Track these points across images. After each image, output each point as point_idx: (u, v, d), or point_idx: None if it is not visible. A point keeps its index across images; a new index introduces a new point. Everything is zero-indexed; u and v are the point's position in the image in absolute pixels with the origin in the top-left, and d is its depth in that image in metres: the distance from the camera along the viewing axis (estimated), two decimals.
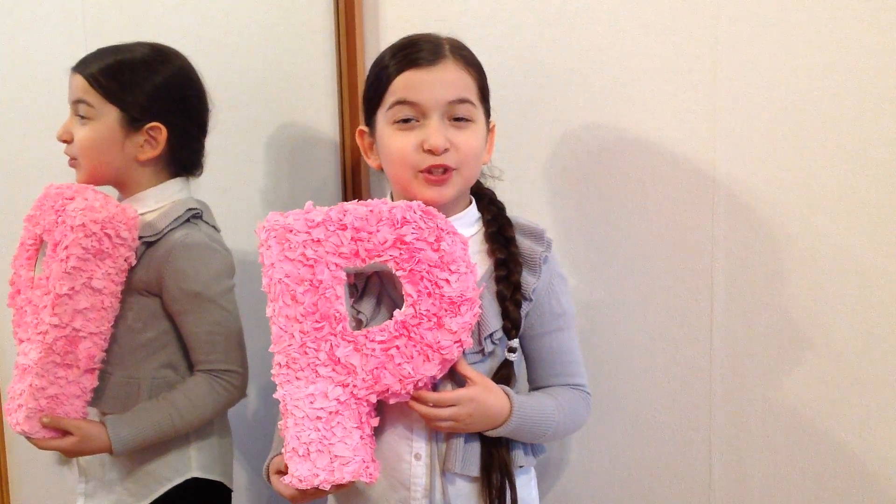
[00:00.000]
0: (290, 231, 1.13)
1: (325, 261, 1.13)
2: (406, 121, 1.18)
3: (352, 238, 1.13)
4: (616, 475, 1.52)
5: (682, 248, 1.43)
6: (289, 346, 1.13)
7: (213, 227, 1.44)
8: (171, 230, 1.37)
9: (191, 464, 1.43)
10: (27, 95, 1.47)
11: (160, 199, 1.41)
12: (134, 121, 1.37)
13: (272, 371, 1.14)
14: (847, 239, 1.31)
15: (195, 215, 1.41)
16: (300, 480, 1.11)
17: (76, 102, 1.38)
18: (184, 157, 1.44)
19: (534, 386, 1.28)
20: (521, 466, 1.23)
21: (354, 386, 1.12)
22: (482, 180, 1.30)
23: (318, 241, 1.13)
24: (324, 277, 1.13)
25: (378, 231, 1.13)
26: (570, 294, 1.28)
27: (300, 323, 1.12)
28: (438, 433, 1.18)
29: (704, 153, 1.39)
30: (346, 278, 1.15)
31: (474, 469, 1.19)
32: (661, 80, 1.40)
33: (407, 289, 1.12)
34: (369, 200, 1.17)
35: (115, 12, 1.69)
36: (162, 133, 1.38)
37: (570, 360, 1.27)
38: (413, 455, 1.20)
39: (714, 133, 1.37)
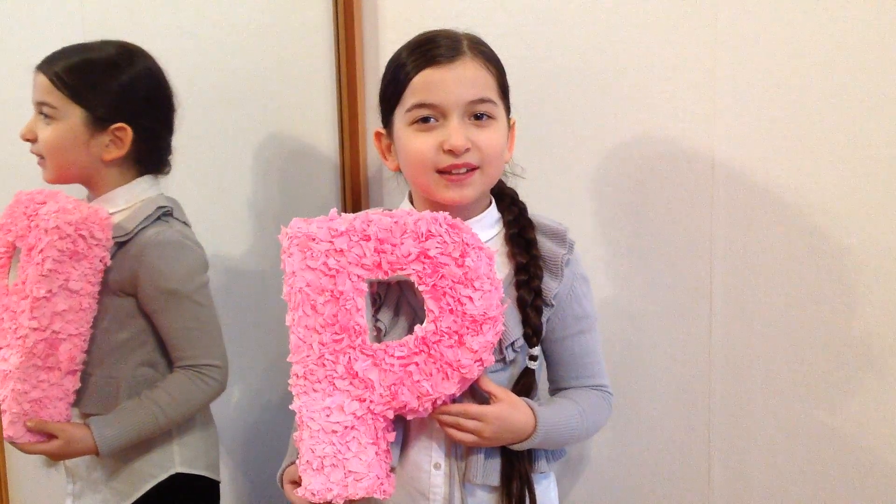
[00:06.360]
0: (313, 239, 1.11)
1: (347, 271, 1.11)
2: (425, 120, 1.16)
3: (375, 249, 1.11)
4: (616, 475, 1.53)
5: (681, 247, 1.44)
6: (307, 356, 1.11)
7: (184, 223, 1.43)
8: (142, 229, 1.36)
9: (174, 459, 1.43)
10: (25, 96, 1.43)
11: (129, 199, 1.40)
12: (99, 121, 1.35)
13: (289, 381, 1.12)
14: (846, 238, 1.33)
15: (166, 213, 1.39)
16: (313, 494, 1.09)
17: (40, 103, 1.36)
18: (150, 157, 1.43)
19: (554, 387, 1.27)
20: (541, 472, 1.22)
21: (371, 401, 1.10)
22: (503, 179, 1.27)
23: (341, 251, 1.11)
24: (345, 288, 1.11)
25: (402, 243, 1.11)
26: (592, 295, 1.26)
27: (319, 334, 1.10)
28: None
29: (703, 152, 1.41)
30: (367, 289, 1.13)
31: (495, 479, 1.18)
32: (661, 80, 1.42)
33: (429, 304, 1.11)
34: (394, 210, 1.16)
35: (113, 12, 1.68)
36: (127, 134, 1.37)
37: (592, 362, 1.25)
38: (432, 465, 1.18)
39: (713, 132, 1.39)
